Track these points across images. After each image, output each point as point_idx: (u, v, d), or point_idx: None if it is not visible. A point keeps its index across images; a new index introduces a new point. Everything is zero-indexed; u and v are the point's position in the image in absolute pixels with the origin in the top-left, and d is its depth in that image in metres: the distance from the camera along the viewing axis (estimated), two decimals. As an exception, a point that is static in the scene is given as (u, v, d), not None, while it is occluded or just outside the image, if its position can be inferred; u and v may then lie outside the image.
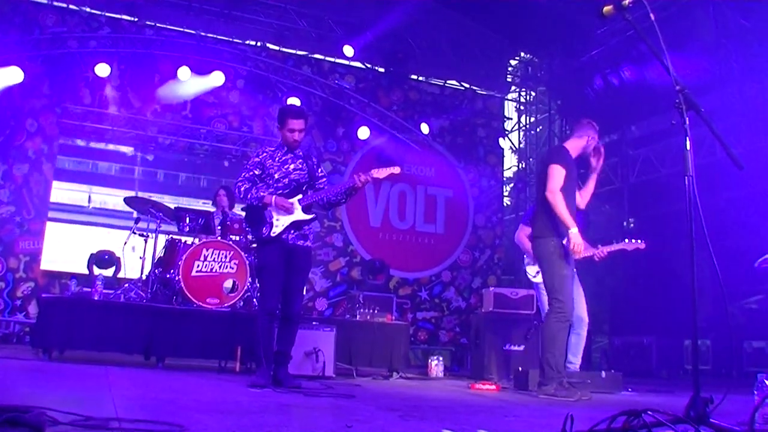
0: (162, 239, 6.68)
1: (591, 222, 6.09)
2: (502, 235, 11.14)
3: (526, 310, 6.60)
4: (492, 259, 10.90)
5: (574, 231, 4.45)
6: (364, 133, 9.85)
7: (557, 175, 4.54)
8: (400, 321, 7.16)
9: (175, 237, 6.56)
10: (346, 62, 10.24)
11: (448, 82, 11.03)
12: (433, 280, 10.42)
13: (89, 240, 9.21)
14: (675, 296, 7.96)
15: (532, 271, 5.97)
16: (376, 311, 6.54)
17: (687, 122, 2.77)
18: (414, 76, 10.80)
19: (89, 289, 5.88)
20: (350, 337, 5.97)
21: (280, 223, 4.41)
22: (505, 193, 11.91)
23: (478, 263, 10.77)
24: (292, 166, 4.53)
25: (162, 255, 6.57)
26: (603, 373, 5.52)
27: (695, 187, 2.71)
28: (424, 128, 10.19)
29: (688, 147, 2.77)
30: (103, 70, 8.48)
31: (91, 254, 7.90)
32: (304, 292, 7.80)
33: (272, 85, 9.68)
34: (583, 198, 4.85)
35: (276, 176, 4.49)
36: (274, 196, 4.43)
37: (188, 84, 9.01)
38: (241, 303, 6.21)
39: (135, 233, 6.68)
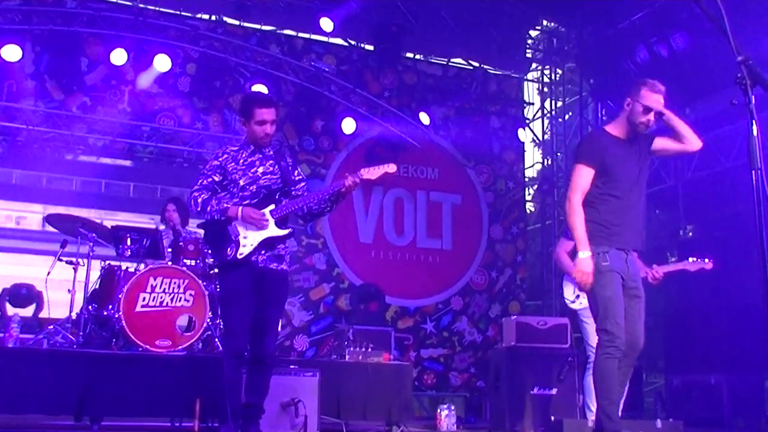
0: (96, 267, 6.66)
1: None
2: (525, 249, 11.16)
3: (558, 343, 6.64)
4: (513, 281, 10.90)
5: (582, 256, 4.38)
6: (349, 126, 9.88)
7: (578, 177, 4.47)
8: (400, 361, 7.18)
9: (113, 263, 6.53)
10: (324, 39, 10.28)
11: (452, 60, 11.08)
12: (441, 309, 10.43)
13: (1, 270, 9.19)
14: (751, 322, 7.92)
15: (570, 295, 5.99)
16: (370, 349, 6.56)
17: (752, 102, 2.76)
18: (410, 55, 10.83)
19: (1, 335, 5.84)
20: (338, 383, 5.98)
21: (248, 241, 4.43)
22: (528, 197, 11.95)
23: (496, 286, 10.77)
24: (260, 169, 4.56)
25: (96, 287, 6.54)
26: (659, 423, 5.55)
27: (765, 184, 2.71)
28: (424, 119, 10.23)
29: (755, 133, 2.76)
30: (11, 53, 8.37)
31: (4, 289, 7.87)
32: (279, 328, 7.77)
33: (232, 70, 9.69)
34: (688, 139, 4.63)
35: (241, 182, 4.52)
36: (239, 207, 4.44)
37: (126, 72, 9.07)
38: (200, 344, 6.19)
39: (61, 260, 6.66)
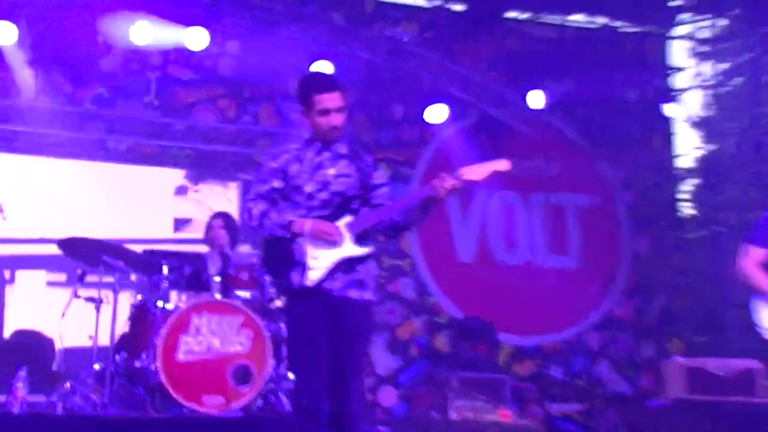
0: (124, 303, 6.78)
1: None
2: (685, 266, 10.92)
3: (746, 395, 6.44)
4: (670, 310, 10.69)
5: None
6: (438, 112, 9.86)
7: None
8: (522, 420, 7.09)
9: (145, 299, 6.64)
10: (401, 0, 10.32)
11: (569, 17, 10.97)
12: (570, 348, 10.32)
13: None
14: None
15: None
16: (481, 404, 6.59)
17: None
18: (513, 14, 10.74)
19: (2, 397, 5.96)
20: None
21: (319, 263, 4.44)
22: (684, 196, 11.72)
23: (645, 317, 10.59)
24: (332, 171, 4.60)
25: (126, 330, 6.66)
26: None
27: None
28: (537, 98, 10.13)
29: None
30: (4, 33, 8.42)
31: (6, 338, 8.06)
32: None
33: (285, 45, 9.79)
34: None
35: (308, 189, 4.56)
36: (307, 221, 4.48)
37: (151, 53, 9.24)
38: (261, 401, 6.22)
39: (79, 296, 6.78)
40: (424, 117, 9.92)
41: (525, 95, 10.15)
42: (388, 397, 9.53)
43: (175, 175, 9.67)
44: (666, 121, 11.18)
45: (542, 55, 10.69)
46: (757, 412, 6.41)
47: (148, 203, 9.49)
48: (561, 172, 10.63)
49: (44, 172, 9.26)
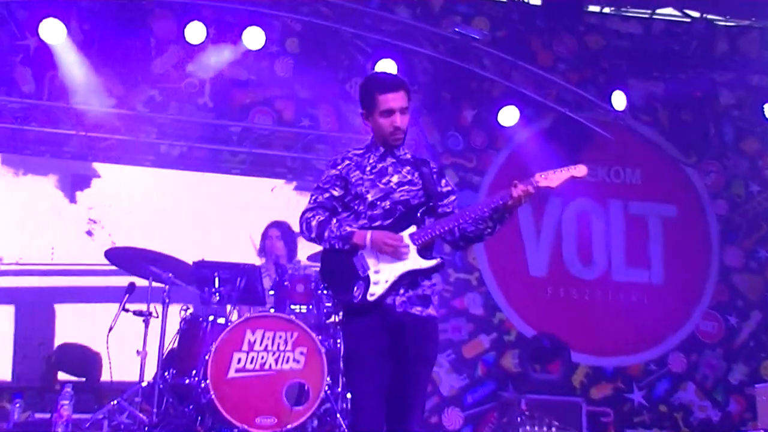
0: (174, 317, 6.78)
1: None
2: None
3: None
4: (765, 329, 10.48)
5: None
6: (510, 115, 9.82)
7: None
8: None
9: (196, 313, 6.67)
10: (470, -6, 10.32)
11: (658, 11, 10.83)
12: (653, 371, 10.18)
13: (48, 324, 9.45)
14: None
15: None
16: (554, 429, 6.59)
17: None
18: (595, 8, 10.67)
19: (47, 415, 5.96)
20: None
21: (381, 276, 4.37)
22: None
23: (737, 338, 10.43)
24: (395, 179, 4.52)
25: (175, 346, 6.69)
26: None
27: None
28: (619, 100, 10.00)
29: None
30: (53, 31, 8.49)
31: (51, 352, 8.09)
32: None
33: (347, 44, 9.75)
34: None
35: (370, 197, 4.48)
36: (369, 232, 4.40)
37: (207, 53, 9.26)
38: (316, 422, 6.24)
39: (127, 310, 6.81)
40: (496, 120, 9.84)
41: (607, 96, 10.02)
42: (453, 419, 9.48)
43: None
44: (764, 124, 10.87)
45: (626, 53, 10.60)
46: None
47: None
48: (643, 179, 10.50)
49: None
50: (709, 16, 10.85)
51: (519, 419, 6.77)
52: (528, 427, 6.45)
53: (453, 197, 4.61)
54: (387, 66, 9.19)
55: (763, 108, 10.66)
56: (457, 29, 9.90)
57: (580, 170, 4.40)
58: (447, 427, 9.35)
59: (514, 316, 9.88)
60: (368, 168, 4.50)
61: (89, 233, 9.06)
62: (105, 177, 9.35)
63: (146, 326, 6.75)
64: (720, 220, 10.62)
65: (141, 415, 6.32)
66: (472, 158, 10.09)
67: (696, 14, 10.83)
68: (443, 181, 4.60)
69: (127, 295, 6.83)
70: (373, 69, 9.06)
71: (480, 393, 9.61)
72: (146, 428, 6.15)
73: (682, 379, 10.18)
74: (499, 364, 9.74)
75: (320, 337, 6.23)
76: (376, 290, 4.33)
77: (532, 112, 10.01)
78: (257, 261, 7.52)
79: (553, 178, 4.35)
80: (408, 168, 4.52)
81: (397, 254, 4.34)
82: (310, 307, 6.54)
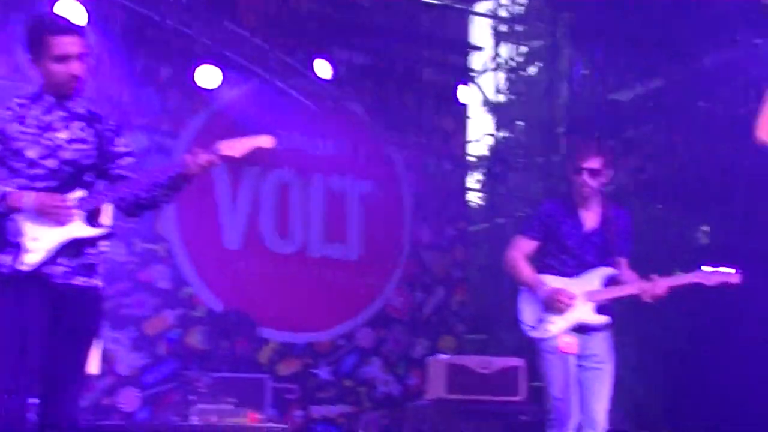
0: None
1: (630, 231, 6.14)
2: (465, 261, 11.21)
3: (507, 394, 6.64)
4: (448, 305, 10.95)
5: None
6: (209, 76, 9.65)
7: None
8: (276, 423, 7.12)
9: None
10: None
11: (366, -17, 10.95)
12: (342, 347, 10.39)
13: None
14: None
15: (531, 318, 5.88)
16: (232, 407, 6.57)
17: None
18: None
19: None
20: None
21: (39, 244, 4.21)
22: (472, 185, 12.00)
23: (421, 313, 10.78)
24: (63, 135, 4.34)
25: None
26: None
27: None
28: (323, 68, 10.14)
29: None
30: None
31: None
32: (95, 371, 7.53)
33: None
34: None
35: (31, 154, 4.27)
36: (27, 193, 4.22)
37: None
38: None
39: None
40: (194, 81, 9.65)
41: (310, 64, 10.12)
42: (130, 400, 9.24)
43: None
44: (460, 104, 11.36)
45: (333, 22, 10.65)
46: (514, 410, 6.68)
47: None
48: (344, 153, 10.66)
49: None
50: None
51: (193, 398, 6.74)
52: (202, 405, 6.44)
53: (129, 159, 4.48)
54: (65, 5, 8.61)
55: (458, 89, 11.06)
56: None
57: (266, 141, 4.42)
58: (122, 409, 9.11)
59: (205, 291, 9.79)
60: (31, 121, 4.30)
61: None
62: None
63: None
64: (414, 197, 10.92)
65: None
66: (167, 120, 9.88)
67: (403, -11, 11.02)
68: (120, 140, 4.45)
69: None
70: (45, 8, 8.56)
71: (161, 372, 9.45)
72: None
73: (369, 354, 10.48)
74: (184, 341, 9.61)
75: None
76: (31, 259, 4.15)
77: (234, 75, 9.87)
78: None
79: (237, 148, 4.35)
80: (80, 124, 4.37)
81: (60, 219, 4.19)
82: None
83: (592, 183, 5.67)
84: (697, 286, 5.73)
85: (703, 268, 5.75)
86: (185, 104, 10.09)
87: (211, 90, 9.84)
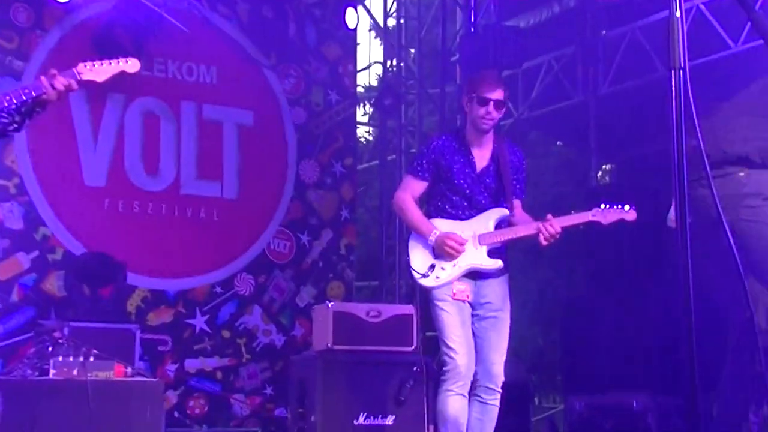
0: None
1: (524, 170, 6.15)
2: (354, 200, 11.20)
3: (398, 344, 6.94)
4: (335, 249, 10.97)
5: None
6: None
7: None
8: (146, 377, 7.20)
9: None
10: None
11: None
12: (219, 294, 10.33)
13: None
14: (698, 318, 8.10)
15: (421, 265, 5.89)
16: (93, 359, 6.55)
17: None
18: None
19: None
20: (34, 417, 6.07)
21: None
22: (362, 118, 11.93)
23: (307, 257, 10.79)
24: None
25: None
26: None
27: (692, 97, 3.02)
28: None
29: (678, 14, 3.09)
30: None
31: None
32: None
33: None
34: None
35: None
36: None
37: None
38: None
39: None
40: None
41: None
42: (-23, 352, 9.13)
43: None
44: (348, 30, 11.37)
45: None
46: (406, 361, 6.88)
47: None
48: (219, 80, 10.51)
49: None
50: None
51: (50, 348, 6.56)
52: (62, 357, 6.29)
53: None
54: None
55: (345, 13, 11.12)
56: None
57: (131, 65, 4.56)
58: (-31, 363, 8.90)
59: (63, 232, 9.60)
60: None
61: None
62: None
63: None
64: (298, 130, 10.89)
65: None
66: (14, 38, 9.54)
67: None
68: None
69: None
70: None
71: (15, 322, 9.29)
72: None
73: (249, 302, 10.44)
74: (40, 287, 9.44)
75: None
76: None
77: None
78: None
79: (100, 71, 4.47)
80: None
81: None
82: None
83: (497, 115, 5.77)
84: (594, 225, 5.86)
85: (601, 206, 5.87)
86: (35, 20, 9.74)
87: (65, 3, 9.66)
